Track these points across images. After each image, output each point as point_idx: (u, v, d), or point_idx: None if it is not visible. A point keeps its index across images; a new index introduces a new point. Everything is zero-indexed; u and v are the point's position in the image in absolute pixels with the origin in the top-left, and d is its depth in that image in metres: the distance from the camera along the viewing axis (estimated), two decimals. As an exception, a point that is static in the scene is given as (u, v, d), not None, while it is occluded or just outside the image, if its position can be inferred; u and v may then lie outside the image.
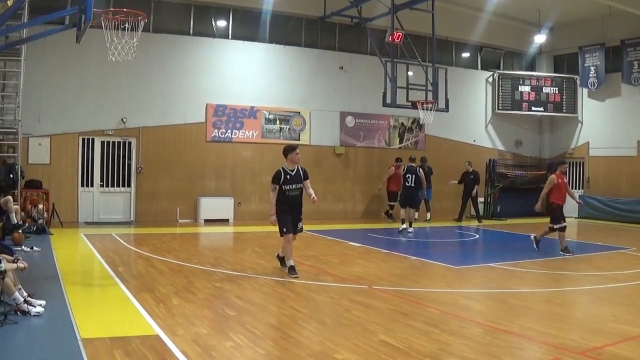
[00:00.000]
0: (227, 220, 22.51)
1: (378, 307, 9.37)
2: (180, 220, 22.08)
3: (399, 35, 20.63)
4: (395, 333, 7.89)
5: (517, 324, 8.72)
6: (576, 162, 30.09)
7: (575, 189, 29.81)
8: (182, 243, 16.79)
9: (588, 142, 29.45)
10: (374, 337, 7.70)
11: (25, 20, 17.15)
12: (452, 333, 8.12)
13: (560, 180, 16.39)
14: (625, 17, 25.74)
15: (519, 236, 19.47)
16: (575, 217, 28.35)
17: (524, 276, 13.19)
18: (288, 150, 12.38)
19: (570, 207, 28.90)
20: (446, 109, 21.77)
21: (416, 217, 21.57)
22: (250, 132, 23.40)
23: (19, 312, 8.04)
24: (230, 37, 23.47)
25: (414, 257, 14.85)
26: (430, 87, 21.12)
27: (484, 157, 28.34)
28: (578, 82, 29.60)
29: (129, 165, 21.78)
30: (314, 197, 12.61)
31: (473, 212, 25.87)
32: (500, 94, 29.46)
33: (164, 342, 7.24)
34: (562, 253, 15.91)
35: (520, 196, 26.62)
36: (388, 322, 8.49)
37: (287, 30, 24.66)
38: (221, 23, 23.48)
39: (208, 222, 22.03)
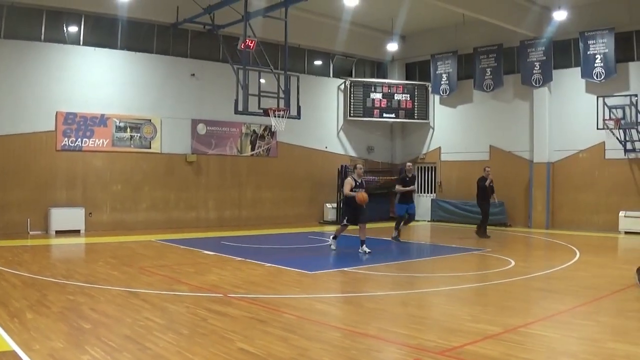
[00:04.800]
0: (78, 231, 22.00)
1: (234, 315, 9.38)
2: (31, 232, 21.38)
3: (252, 42, 20.70)
4: (253, 340, 7.91)
5: (374, 327, 8.91)
6: (429, 167, 31.01)
7: (428, 193, 30.79)
8: (33, 255, 16.25)
9: (440, 147, 30.46)
10: (231, 345, 7.70)
11: None
12: (310, 338, 8.22)
13: None
14: (478, 25, 26.84)
15: (371, 240, 19.83)
16: (428, 220, 29.24)
17: (379, 279, 13.51)
18: None
19: (424, 210, 29.91)
20: (298, 116, 21.90)
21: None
22: (101, 141, 22.93)
23: None
24: (81, 43, 22.90)
25: (268, 264, 14.87)
26: (282, 95, 21.22)
27: (336, 164, 28.82)
28: (430, 89, 30.46)
29: (-25, 176, 21.01)
30: None
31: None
32: (352, 101, 30.04)
33: (20, 358, 7.02)
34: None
35: (372, 201, 27.04)
36: (245, 329, 8.50)
37: (139, 37, 24.31)
38: (72, 29, 22.88)
39: (59, 233, 21.43)
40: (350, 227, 17.98)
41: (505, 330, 8.64)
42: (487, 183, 22.21)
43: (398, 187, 21.24)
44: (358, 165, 18.43)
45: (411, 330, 8.71)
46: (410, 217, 21.25)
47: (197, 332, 8.34)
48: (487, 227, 22.48)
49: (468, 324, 9.02)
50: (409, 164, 22.31)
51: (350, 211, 17.76)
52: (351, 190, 17.45)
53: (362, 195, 17.25)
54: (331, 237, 18.59)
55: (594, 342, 8.09)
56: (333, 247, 18.19)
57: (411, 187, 21.14)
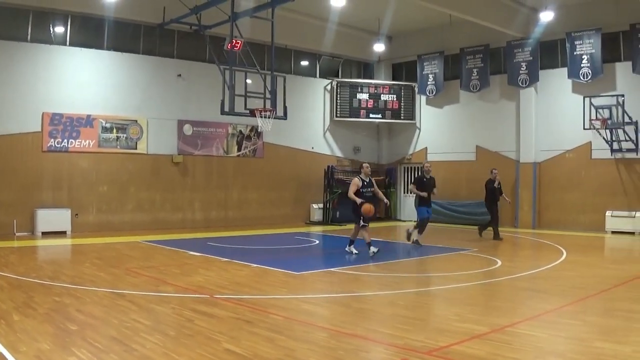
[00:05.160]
0: (64, 232, 21.88)
1: (221, 316, 9.39)
2: (17, 234, 21.24)
3: (238, 43, 20.66)
4: (240, 341, 7.93)
5: (362, 327, 8.94)
6: (414, 168, 31.01)
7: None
8: (20, 257, 16.18)
9: (426, 148, 30.51)
10: (218, 346, 7.70)
11: None
12: (297, 339, 8.24)
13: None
14: (465, 26, 26.93)
15: (359, 241, 19.84)
16: (415, 221, 29.22)
17: (366, 280, 13.53)
18: None
19: (410, 211, 29.97)
20: (284, 116, 21.85)
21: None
22: (87, 142, 22.82)
23: None
24: (68, 43, 22.79)
25: (255, 265, 14.86)
26: (268, 95, 21.17)
27: (323, 164, 28.86)
28: (416, 89, 30.51)
29: (-40, 177, 20.88)
30: None
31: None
32: (339, 101, 30.02)
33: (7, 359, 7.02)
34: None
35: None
36: (231, 330, 8.52)
37: (125, 37, 24.20)
38: (59, 29, 22.75)
39: (45, 234, 21.28)
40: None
41: (492, 330, 8.68)
42: (495, 185, 21.98)
43: (413, 189, 20.11)
44: (364, 164, 17.54)
45: (398, 330, 8.71)
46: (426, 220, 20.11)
47: (183, 333, 8.33)
48: (481, 228, 22.35)
49: (455, 324, 9.04)
50: (427, 163, 21.31)
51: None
52: (358, 190, 16.70)
53: (368, 207, 16.53)
54: (368, 247, 16.76)
55: (581, 342, 8.14)
56: (374, 249, 16.64)
57: (424, 194, 19.58)
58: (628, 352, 7.58)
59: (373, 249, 16.66)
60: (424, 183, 19.74)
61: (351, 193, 16.81)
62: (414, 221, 21.45)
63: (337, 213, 28.32)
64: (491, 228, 21.98)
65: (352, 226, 18.14)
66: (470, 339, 8.16)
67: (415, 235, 19.87)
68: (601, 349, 7.71)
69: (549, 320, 9.43)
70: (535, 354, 7.58)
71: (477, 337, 8.27)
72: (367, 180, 17.08)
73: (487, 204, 22.24)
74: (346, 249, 17.34)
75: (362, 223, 16.84)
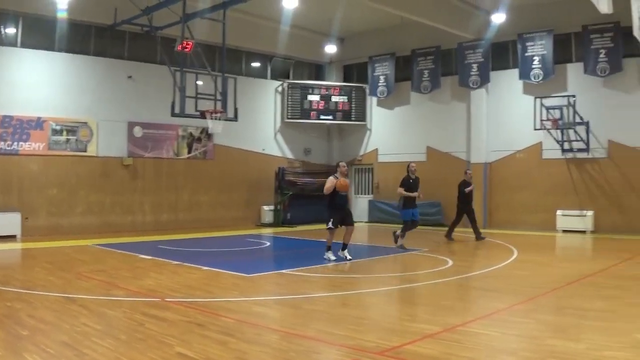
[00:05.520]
0: (14, 237, 21.61)
1: (172, 320, 9.37)
2: (-33, 239, 21.01)
3: (189, 44, 20.58)
4: (192, 344, 7.93)
5: (313, 329, 9.01)
6: (365, 169, 31.19)
7: (365, 194, 30.94)
8: (-31, 262, 16.03)
9: (377, 149, 30.67)
10: (170, 349, 7.70)
11: None
12: (248, 341, 8.26)
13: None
14: (416, 27, 27.11)
15: (310, 242, 19.88)
16: (365, 222, 29.39)
17: (318, 281, 13.58)
18: None
19: (361, 211, 30.08)
20: (235, 118, 21.81)
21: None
22: (37, 144, 22.56)
23: None
24: (19, 45, 22.51)
25: (206, 268, 14.85)
26: (219, 97, 21.14)
27: (273, 166, 28.92)
28: (367, 90, 30.65)
29: None
30: None
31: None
32: (290, 103, 30.08)
33: (-44, 366, 6.97)
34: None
35: (310, 203, 27.23)
36: (183, 333, 8.51)
37: (76, 39, 23.94)
38: (10, 30, 22.47)
39: (-5, 238, 21.07)
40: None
41: (444, 329, 8.79)
42: (470, 188, 21.92)
43: (400, 191, 19.39)
44: (341, 163, 16.62)
45: (350, 331, 8.78)
46: (415, 223, 19.53)
47: (134, 337, 8.31)
48: (453, 230, 22.01)
49: (407, 324, 9.17)
50: (412, 163, 20.22)
51: (335, 212, 16.26)
52: (334, 190, 16.05)
53: (342, 181, 16.07)
54: (327, 249, 16.42)
55: (533, 340, 8.29)
56: (333, 257, 16.15)
57: (415, 194, 19.27)
58: (580, 349, 7.73)
59: (331, 256, 16.21)
60: (410, 184, 19.38)
61: (326, 189, 16.26)
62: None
63: (288, 215, 28.38)
64: (451, 227, 22.15)
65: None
66: (422, 338, 8.24)
67: (400, 241, 19.18)
68: (553, 346, 7.84)
69: (501, 318, 9.60)
70: (488, 353, 7.73)
71: (429, 336, 8.36)
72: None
73: (460, 204, 22.10)
74: (339, 254, 16.43)
75: (329, 225, 16.24)
